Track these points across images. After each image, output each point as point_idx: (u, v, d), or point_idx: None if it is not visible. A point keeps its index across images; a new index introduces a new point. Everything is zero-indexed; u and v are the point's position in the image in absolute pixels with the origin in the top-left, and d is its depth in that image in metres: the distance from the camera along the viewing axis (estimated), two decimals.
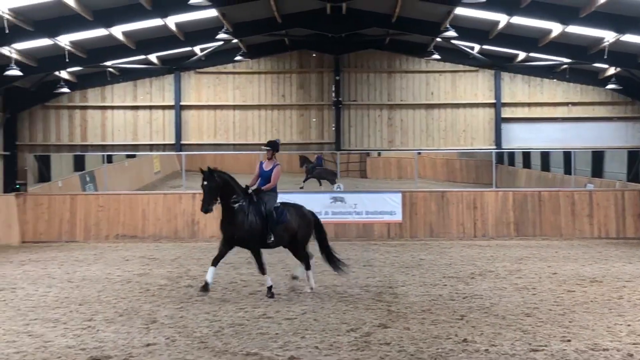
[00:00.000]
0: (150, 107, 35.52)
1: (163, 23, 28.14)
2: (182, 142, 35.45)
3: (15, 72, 28.86)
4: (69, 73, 33.89)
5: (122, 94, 35.59)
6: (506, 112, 35.34)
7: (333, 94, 35.22)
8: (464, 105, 35.50)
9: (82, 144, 36.04)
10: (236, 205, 15.69)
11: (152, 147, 36.08)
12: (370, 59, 35.70)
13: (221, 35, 29.35)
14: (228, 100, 35.44)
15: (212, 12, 27.63)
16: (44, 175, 38.16)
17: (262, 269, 16.17)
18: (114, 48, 30.99)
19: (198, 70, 35.29)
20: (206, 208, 15.49)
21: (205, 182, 15.48)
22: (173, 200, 33.40)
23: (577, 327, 12.87)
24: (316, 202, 33.21)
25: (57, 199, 33.36)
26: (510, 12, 26.65)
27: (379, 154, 38.05)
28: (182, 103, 35.39)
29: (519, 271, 20.64)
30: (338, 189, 34.06)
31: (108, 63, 33.08)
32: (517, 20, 27.59)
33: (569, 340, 11.76)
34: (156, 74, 35.30)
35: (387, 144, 35.86)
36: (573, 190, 33.07)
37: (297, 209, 17.11)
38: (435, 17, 29.43)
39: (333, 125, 35.20)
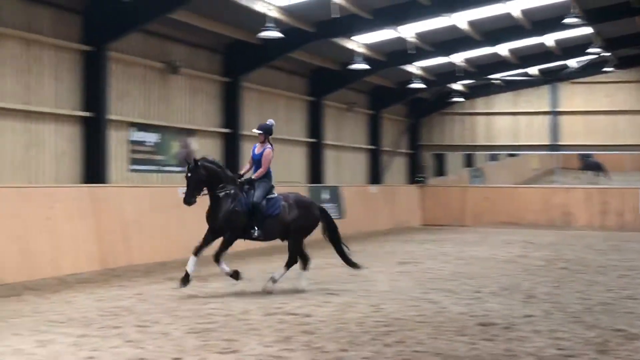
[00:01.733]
0: (529, 113, 35.00)
1: (542, 40, 27.71)
2: (557, 143, 34.57)
3: (418, 85, 29.85)
4: (462, 85, 34.36)
5: (504, 102, 35.42)
6: None
7: None
8: None
9: (471, 144, 36.37)
10: (221, 193, 12.82)
11: (530, 147, 35.66)
12: None
13: (593, 49, 28.25)
14: (598, 106, 33.99)
15: (586, 30, 26.64)
16: (440, 170, 39.14)
17: (217, 256, 12.76)
18: (499, 63, 31.00)
19: (572, 80, 34.20)
20: (188, 200, 12.64)
21: (189, 174, 12.68)
22: (549, 193, 32.94)
23: None
24: None
25: (450, 190, 34.07)
26: None
27: None
28: (557, 109, 34.51)
29: None
30: None
31: (494, 76, 33.16)
32: None
33: None
34: (534, 85, 34.70)
35: None
36: None
37: (300, 201, 13.51)
38: None
39: None
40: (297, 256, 13.34)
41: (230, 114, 23.09)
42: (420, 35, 25.21)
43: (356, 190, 29.28)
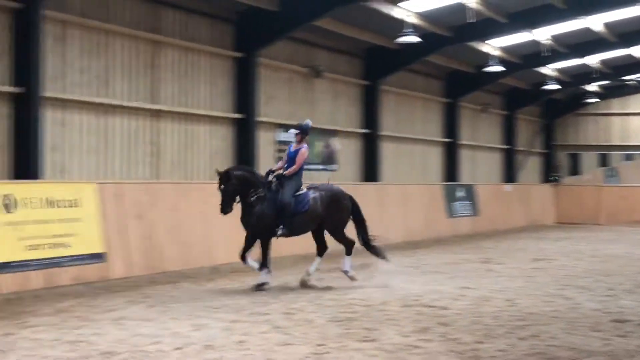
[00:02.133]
0: None
1: None
2: None
3: (552, 86, 29.14)
4: (597, 86, 33.24)
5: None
6: None
7: None
8: None
9: (605, 144, 35.28)
10: (252, 198, 12.29)
11: None
12: None
13: None
14: None
15: None
16: (574, 170, 38.01)
17: (264, 263, 12.37)
18: (634, 64, 29.77)
19: None
20: (225, 211, 12.14)
21: (222, 186, 12.12)
22: None
23: None
24: None
25: (585, 189, 33.00)
26: None
27: None
28: None
29: None
30: None
31: (629, 77, 31.89)
32: None
33: None
34: None
35: None
36: None
37: (329, 193, 12.82)
38: None
39: None
40: (348, 240, 12.89)
41: (370, 116, 23.22)
42: (555, 38, 24.54)
43: (491, 188, 28.79)
